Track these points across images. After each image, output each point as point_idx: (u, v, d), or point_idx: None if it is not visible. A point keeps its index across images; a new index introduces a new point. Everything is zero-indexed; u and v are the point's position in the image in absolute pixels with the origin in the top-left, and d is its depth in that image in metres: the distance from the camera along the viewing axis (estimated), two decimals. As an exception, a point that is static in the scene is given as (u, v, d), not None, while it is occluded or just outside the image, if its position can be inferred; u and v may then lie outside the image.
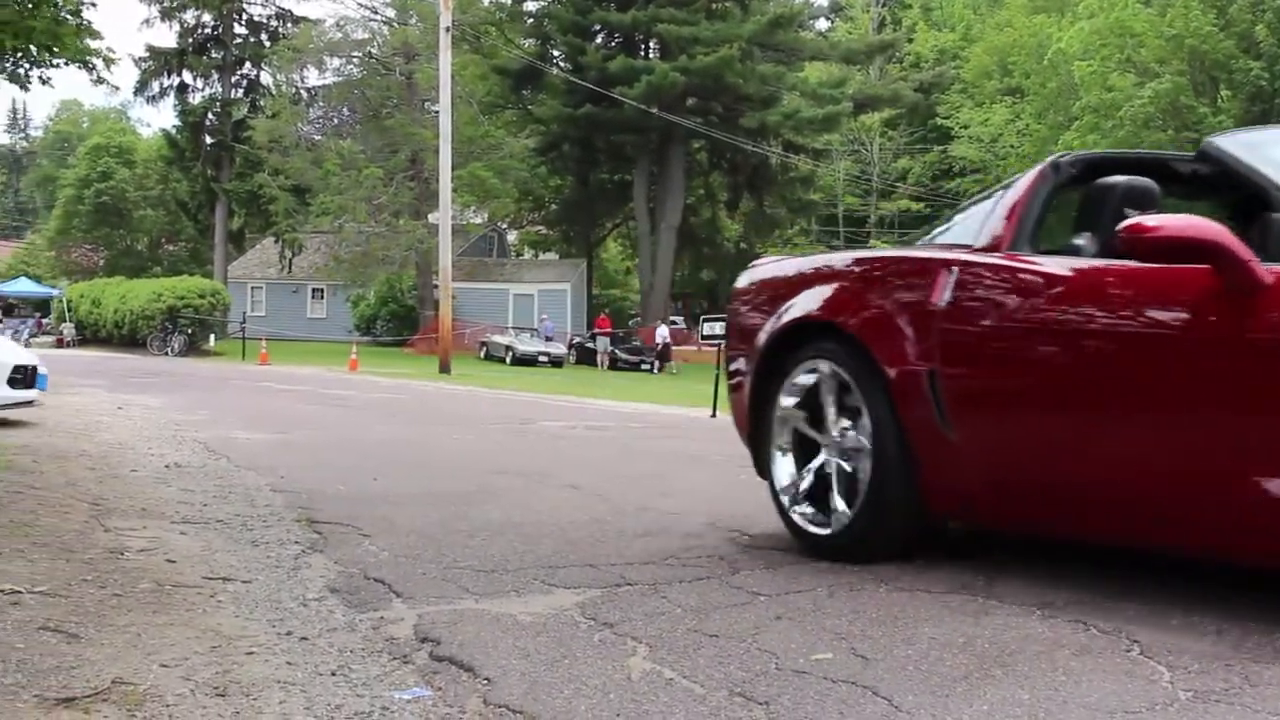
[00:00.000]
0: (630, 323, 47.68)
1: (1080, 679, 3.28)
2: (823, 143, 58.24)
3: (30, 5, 16.85)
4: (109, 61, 26.06)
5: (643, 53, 55.06)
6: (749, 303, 5.87)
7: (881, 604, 4.16)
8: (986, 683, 3.27)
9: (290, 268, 57.68)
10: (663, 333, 46.76)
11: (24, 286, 64.68)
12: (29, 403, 12.04)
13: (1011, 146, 50.64)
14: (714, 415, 17.84)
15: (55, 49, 23.49)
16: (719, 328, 20.93)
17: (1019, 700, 3.11)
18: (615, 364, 45.51)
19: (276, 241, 57.38)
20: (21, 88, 26.48)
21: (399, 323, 53.68)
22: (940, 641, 3.66)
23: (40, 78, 25.86)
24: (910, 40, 62.43)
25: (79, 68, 24.57)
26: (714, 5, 52.17)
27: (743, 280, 6.07)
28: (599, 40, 55.67)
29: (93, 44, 24.64)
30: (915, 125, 61.90)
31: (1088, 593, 4.28)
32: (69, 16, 22.80)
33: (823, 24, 68.82)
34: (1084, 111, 41.61)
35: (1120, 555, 4.65)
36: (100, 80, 27.39)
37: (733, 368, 5.86)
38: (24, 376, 11.75)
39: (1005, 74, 52.06)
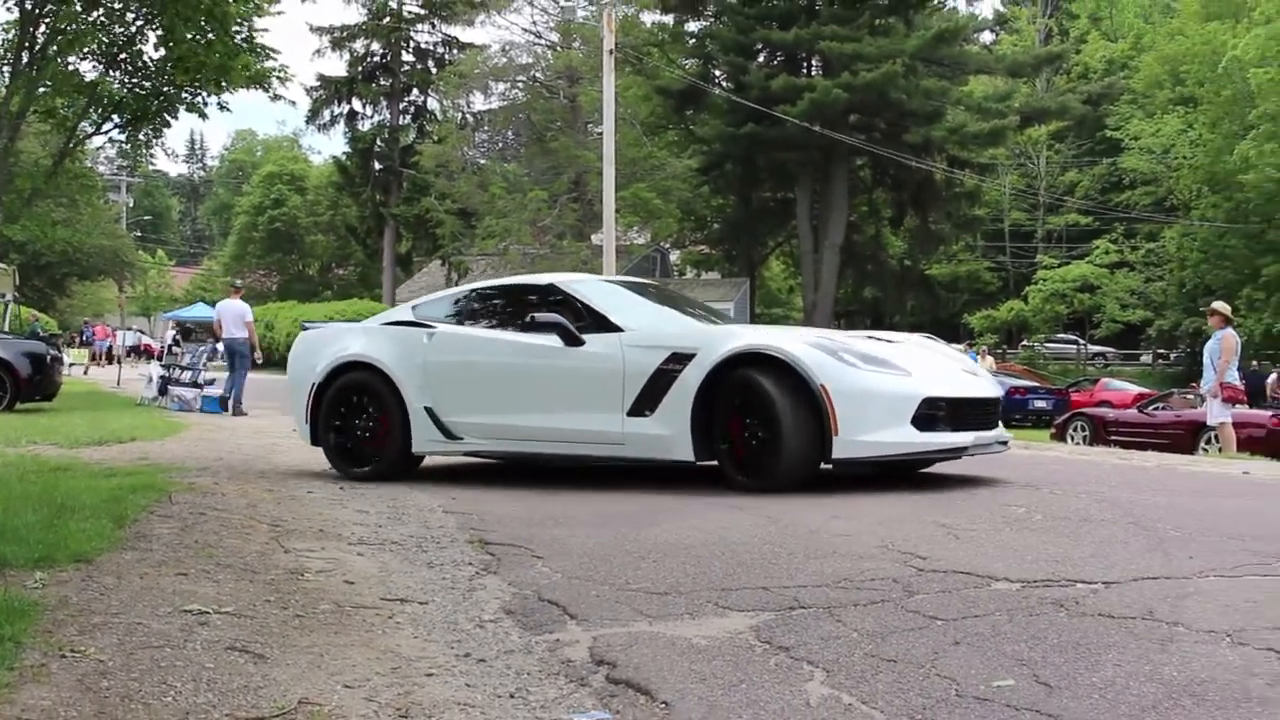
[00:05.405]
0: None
1: (1276, 709, 3.18)
2: (988, 157, 57.36)
3: (206, 41, 17.46)
4: (283, 79, 26.79)
5: (805, 70, 54.81)
6: None
7: (1062, 630, 4.06)
8: (1176, 713, 3.19)
9: (457, 290, 58.43)
10: None
11: (201, 311, 66.38)
12: (956, 451, 8.24)
13: (1184, 158, 49.49)
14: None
15: (224, 81, 24.41)
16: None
17: (1212, 731, 3.04)
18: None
19: (443, 264, 58.22)
20: (200, 116, 27.43)
21: (564, 343, 53.85)
22: (1126, 670, 3.57)
23: (219, 104, 26.78)
24: (1078, 51, 61.21)
25: (254, 89, 25.44)
26: (877, 21, 51.78)
27: None
28: (761, 59, 55.53)
29: (268, 64, 25.46)
30: (1084, 138, 60.61)
31: (1280, 620, 4.14)
32: (244, 45, 23.60)
33: (987, 37, 67.86)
34: (1261, 119, 40.51)
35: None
36: (277, 97, 28.11)
37: None
38: (945, 413, 8.09)
39: (1177, 83, 50.82)
